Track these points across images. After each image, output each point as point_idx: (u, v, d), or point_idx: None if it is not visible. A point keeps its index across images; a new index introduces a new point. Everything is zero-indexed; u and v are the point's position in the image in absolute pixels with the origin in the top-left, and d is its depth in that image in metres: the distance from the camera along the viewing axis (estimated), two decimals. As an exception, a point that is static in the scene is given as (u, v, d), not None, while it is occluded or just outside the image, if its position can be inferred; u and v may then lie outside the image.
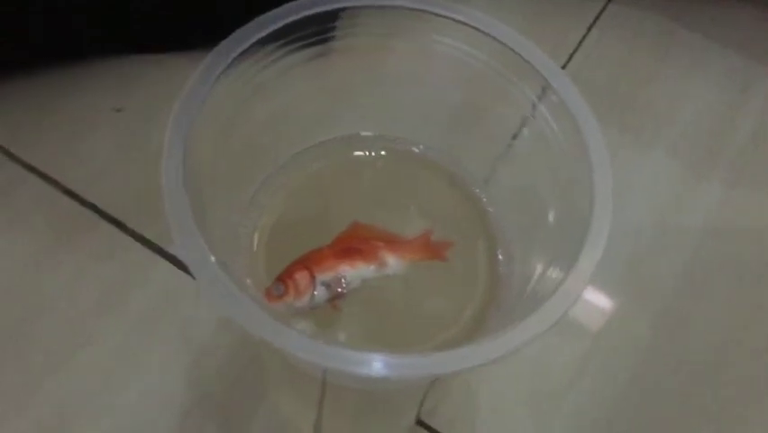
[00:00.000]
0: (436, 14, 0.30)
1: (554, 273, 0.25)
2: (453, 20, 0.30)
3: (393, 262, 0.30)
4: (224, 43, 0.27)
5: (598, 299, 0.41)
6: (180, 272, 0.41)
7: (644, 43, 0.53)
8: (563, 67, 0.50)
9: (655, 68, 0.52)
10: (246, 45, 0.27)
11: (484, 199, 0.32)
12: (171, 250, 0.41)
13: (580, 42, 0.52)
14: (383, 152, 0.33)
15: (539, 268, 0.27)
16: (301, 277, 0.28)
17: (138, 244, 0.41)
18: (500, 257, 0.30)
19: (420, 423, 0.37)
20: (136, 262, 0.41)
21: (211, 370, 0.38)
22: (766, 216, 0.46)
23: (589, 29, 0.53)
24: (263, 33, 0.28)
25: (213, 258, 0.21)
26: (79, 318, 0.39)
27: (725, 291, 0.42)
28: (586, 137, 0.26)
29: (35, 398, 0.36)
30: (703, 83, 0.51)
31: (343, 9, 0.30)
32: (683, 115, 0.50)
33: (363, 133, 0.33)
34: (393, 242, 0.30)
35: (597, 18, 0.53)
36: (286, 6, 0.29)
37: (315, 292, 0.28)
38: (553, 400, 0.38)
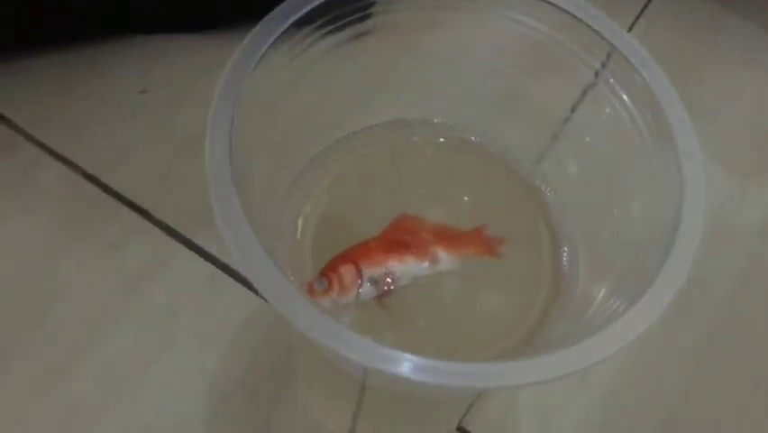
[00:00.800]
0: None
1: (629, 285, 0.22)
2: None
3: (445, 257, 0.27)
4: (263, 22, 0.25)
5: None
6: (205, 263, 0.38)
7: (694, 33, 0.50)
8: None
9: (706, 58, 0.49)
10: (285, 25, 0.25)
11: (543, 189, 0.29)
12: (197, 240, 0.39)
13: (629, 31, 0.49)
14: (432, 138, 0.31)
15: (611, 274, 0.24)
16: (346, 271, 0.26)
17: (161, 232, 0.39)
18: (564, 254, 0.28)
19: (460, 429, 0.35)
20: (158, 252, 0.39)
21: (234, 370, 0.35)
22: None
23: (638, 17, 0.50)
24: (301, 13, 0.26)
25: (261, 246, 0.18)
26: (97, 310, 0.36)
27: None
28: (666, 111, 0.23)
29: (52, 391, 0.34)
30: (757, 75, 0.48)
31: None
32: (736, 110, 0.47)
33: (410, 118, 0.31)
34: (445, 236, 0.27)
35: (645, 6, 0.51)
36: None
37: (362, 289, 0.26)
38: (603, 409, 0.36)
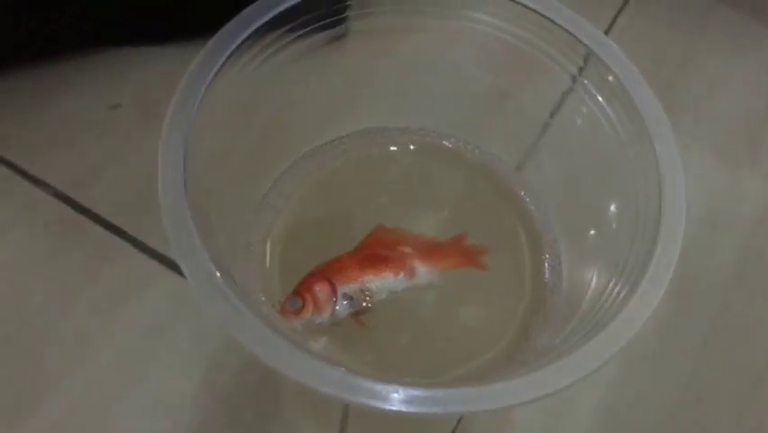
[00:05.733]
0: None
1: (616, 287, 0.21)
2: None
3: (424, 271, 0.26)
4: (224, 29, 0.24)
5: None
6: (183, 281, 0.37)
7: (681, 22, 0.49)
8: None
9: (695, 48, 0.48)
10: (249, 31, 0.24)
11: (524, 196, 0.28)
12: (174, 258, 0.38)
13: (613, 21, 0.48)
14: (410, 146, 0.30)
15: (594, 277, 0.23)
16: (321, 289, 0.25)
17: (138, 252, 0.38)
18: (546, 262, 0.27)
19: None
20: (135, 272, 0.37)
21: (220, 389, 0.34)
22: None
23: (623, 6, 0.49)
24: (269, 17, 0.25)
25: (216, 271, 0.17)
26: (73, 334, 0.35)
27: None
28: (642, 110, 0.22)
29: (29, 418, 0.33)
30: (746, 64, 0.47)
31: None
32: (726, 99, 0.46)
33: (386, 126, 0.30)
34: (423, 248, 0.26)
35: (628, -1, 0.50)
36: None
37: (337, 307, 0.25)
38: (606, 414, 0.34)
